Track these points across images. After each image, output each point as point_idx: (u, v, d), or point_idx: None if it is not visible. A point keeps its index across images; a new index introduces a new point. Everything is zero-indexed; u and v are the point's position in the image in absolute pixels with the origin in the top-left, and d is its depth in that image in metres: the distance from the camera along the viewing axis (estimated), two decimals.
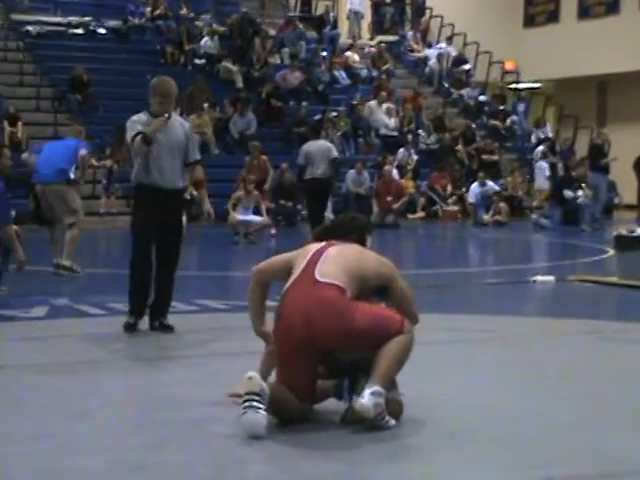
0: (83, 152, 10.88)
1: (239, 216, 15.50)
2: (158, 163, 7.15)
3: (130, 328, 7.23)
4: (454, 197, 22.13)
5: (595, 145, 19.65)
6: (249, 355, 5.32)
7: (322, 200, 14.15)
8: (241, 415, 4.42)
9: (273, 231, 16.16)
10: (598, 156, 19.02)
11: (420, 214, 21.66)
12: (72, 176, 10.68)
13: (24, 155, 11.36)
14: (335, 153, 14.36)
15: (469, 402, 5.15)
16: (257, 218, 15.79)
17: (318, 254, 4.80)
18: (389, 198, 19.98)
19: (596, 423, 4.80)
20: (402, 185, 20.91)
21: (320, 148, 14.07)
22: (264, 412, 4.42)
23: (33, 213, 10.76)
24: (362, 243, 5.08)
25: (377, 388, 4.53)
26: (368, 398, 4.49)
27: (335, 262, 4.74)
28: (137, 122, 7.19)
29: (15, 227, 9.17)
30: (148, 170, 7.17)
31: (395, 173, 21.44)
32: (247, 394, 4.42)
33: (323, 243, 4.92)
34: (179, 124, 7.38)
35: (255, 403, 4.41)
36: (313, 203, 14.28)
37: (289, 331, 4.61)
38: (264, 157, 19.70)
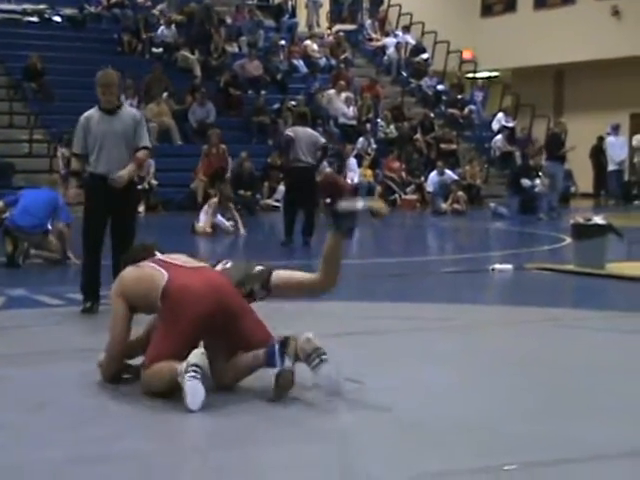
0: (61, 225, 10.73)
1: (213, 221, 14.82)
2: (106, 154, 7.55)
3: (88, 311, 7.52)
4: (412, 186, 22.21)
5: (553, 134, 19.81)
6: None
7: (307, 191, 13.48)
8: (186, 381, 4.56)
9: (242, 231, 15.25)
10: (556, 145, 19.17)
11: None
12: (49, 227, 10.64)
13: None
14: (322, 140, 13.91)
15: (428, 391, 5.17)
16: (225, 222, 15.11)
17: (156, 260, 5.14)
18: (328, 200, 19.60)
19: (555, 410, 4.83)
20: (344, 185, 20.06)
21: (307, 135, 13.53)
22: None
23: (9, 256, 10.54)
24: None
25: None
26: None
27: (192, 260, 5.19)
28: (84, 124, 7.64)
29: None
30: (98, 161, 7.56)
31: (354, 162, 21.48)
32: (195, 365, 4.60)
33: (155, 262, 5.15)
34: (128, 114, 7.74)
35: (199, 375, 4.60)
36: (294, 194, 13.66)
37: (196, 304, 4.80)
38: (223, 146, 19.63)
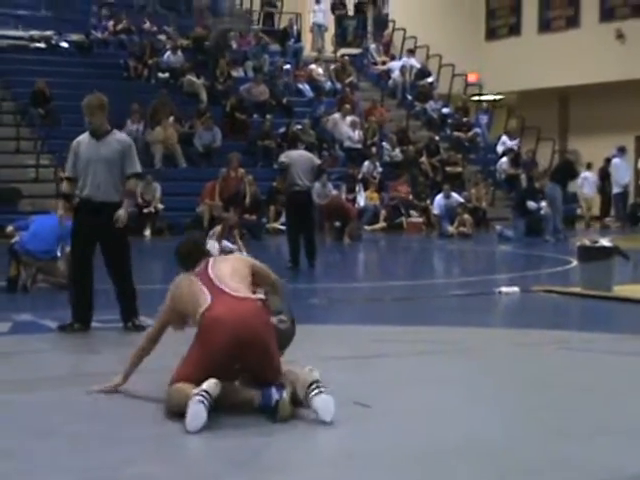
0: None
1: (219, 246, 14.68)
2: (93, 178, 7.71)
3: (64, 330, 7.74)
4: (417, 209, 22.22)
5: (567, 162, 19.76)
6: None
7: (305, 214, 13.51)
8: (192, 404, 4.70)
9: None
10: (568, 173, 19.23)
11: (381, 225, 21.66)
12: (59, 253, 10.66)
13: (9, 228, 11.26)
14: (317, 161, 14.07)
15: (436, 414, 5.16)
16: (231, 246, 14.98)
17: (209, 281, 5.28)
18: (337, 223, 19.71)
19: (560, 432, 4.82)
20: (349, 209, 20.04)
21: (302, 157, 13.65)
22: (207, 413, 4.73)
23: (10, 279, 10.57)
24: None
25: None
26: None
27: (233, 279, 5.31)
28: (75, 148, 7.86)
29: None
30: (85, 185, 7.75)
31: (359, 186, 21.53)
32: (205, 391, 4.75)
33: (196, 274, 5.40)
34: (115, 140, 7.84)
35: (207, 402, 4.73)
36: (295, 219, 13.69)
37: (227, 336, 4.98)
38: (242, 170, 19.67)
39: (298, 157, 13.62)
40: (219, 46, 25.07)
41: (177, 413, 4.86)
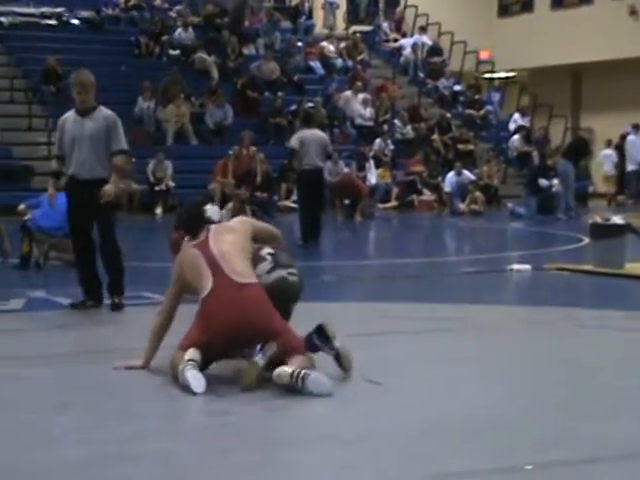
0: None
1: None
2: (77, 155, 7.71)
3: (76, 307, 7.80)
4: (429, 187, 22.17)
5: (581, 139, 19.67)
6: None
7: (316, 193, 13.68)
8: (186, 372, 4.98)
9: None
10: (581, 151, 19.16)
11: (393, 203, 21.63)
12: None
13: (21, 206, 11.28)
14: (330, 147, 14.17)
15: (447, 391, 5.18)
16: None
17: (211, 258, 5.37)
18: (347, 201, 19.67)
19: (573, 409, 4.84)
20: (360, 187, 19.90)
21: (314, 137, 13.72)
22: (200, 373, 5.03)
23: (23, 256, 10.60)
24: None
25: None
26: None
27: (234, 256, 5.38)
28: (61, 126, 7.88)
29: None
30: (71, 163, 7.76)
31: (371, 163, 21.47)
32: (190, 359, 5.06)
33: (197, 242, 5.51)
34: (101, 116, 7.79)
35: (196, 365, 5.06)
36: (307, 197, 13.83)
37: (227, 331, 5.17)
38: (253, 148, 19.66)
39: (311, 136, 13.70)
40: (237, 20, 25.04)
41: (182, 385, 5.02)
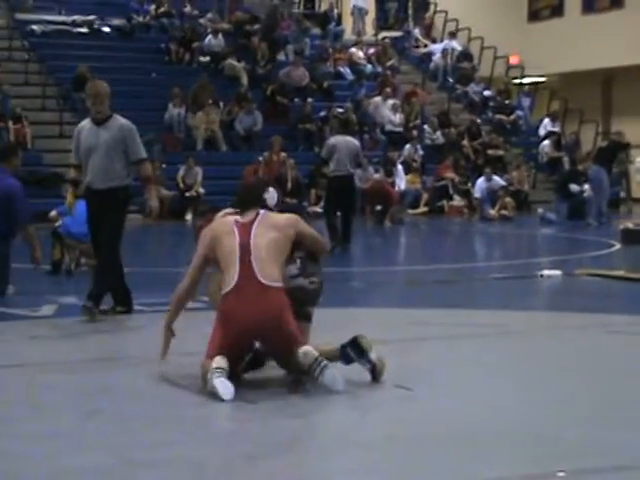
0: None
1: None
2: (92, 165, 7.71)
3: (106, 312, 7.84)
4: (459, 192, 22.11)
5: (614, 142, 19.45)
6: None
7: (347, 199, 13.75)
8: (214, 379, 4.96)
9: None
10: (613, 154, 18.98)
11: (423, 209, 21.59)
12: None
13: (52, 213, 11.35)
14: (362, 155, 14.26)
15: (478, 397, 5.16)
16: None
17: (246, 247, 5.29)
18: (378, 207, 19.67)
19: (606, 417, 4.79)
20: (391, 192, 19.94)
21: (347, 144, 13.81)
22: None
23: (54, 263, 10.67)
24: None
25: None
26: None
27: (268, 257, 5.30)
28: (76, 135, 7.85)
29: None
30: (86, 172, 7.77)
31: (400, 169, 21.43)
32: (217, 367, 5.02)
33: (237, 226, 5.40)
34: (116, 125, 7.76)
35: (224, 373, 5.02)
36: (334, 202, 13.90)
37: (241, 332, 5.18)
38: (283, 154, 19.70)
39: (344, 142, 13.79)
40: (269, 26, 25.15)
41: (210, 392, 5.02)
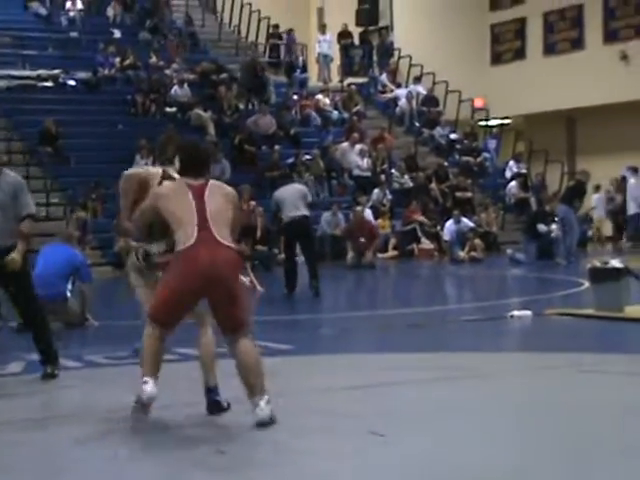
0: (83, 286, 10.54)
1: None
2: None
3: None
4: (428, 235, 22.20)
5: (579, 182, 19.64)
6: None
7: (304, 240, 14.03)
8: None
9: (259, 288, 14.34)
10: (580, 193, 19.15)
11: (392, 253, 21.66)
12: (68, 294, 10.50)
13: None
14: (309, 198, 14.44)
15: (452, 442, 5.14)
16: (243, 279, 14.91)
17: (202, 209, 5.62)
18: (362, 239, 19.91)
19: (579, 456, 4.79)
20: (374, 226, 20.80)
21: (293, 191, 14.04)
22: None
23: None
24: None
25: (266, 397, 5.45)
26: (267, 408, 5.39)
27: (222, 220, 5.64)
28: None
29: None
30: None
31: (368, 213, 21.49)
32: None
33: (191, 183, 5.77)
34: (6, 182, 7.42)
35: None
36: (292, 246, 14.18)
37: (197, 272, 5.48)
38: (253, 202, 19.73)
39: (288, 190, 14.06)
40: (248, 76, 25.34)
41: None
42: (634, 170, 23.54)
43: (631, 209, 23.64)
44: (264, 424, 5.30)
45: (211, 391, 5.74)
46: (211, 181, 5.85)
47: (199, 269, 5.45)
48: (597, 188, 24.33)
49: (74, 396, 6.98)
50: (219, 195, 5.77)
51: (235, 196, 5.99)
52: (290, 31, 29.16)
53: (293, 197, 13.83)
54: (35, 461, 5.03)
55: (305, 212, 13.87)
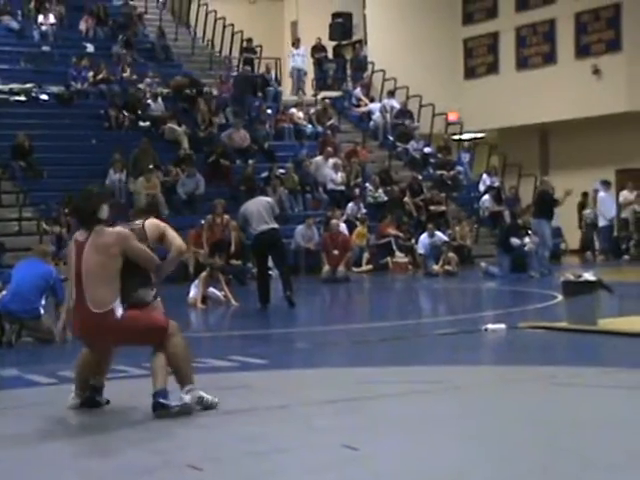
0: (57, 303, 10.37)
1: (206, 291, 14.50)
2: None
3: None
4: (402, 249, 22.24)
5: (542, 192, 19.82)
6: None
7: (274, 252, 14.07)
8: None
9: (233, 302, 14.51)
10: (546, 203, 19.22)
11: (366, 267, 21.68)
12: (42, 311, 10.42)
13: None
14: (277, 210, 14.49)
15: (422, 454, 5.14)
16: (217, 293, 14.71)
17: (79, 273, 6.00)
18: (336, 252, 19.91)
19: (554, 470, 4.80)
20: (348, 239, 20.82)
21: (258, 203, 14.02)
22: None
23: None
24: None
25: (190, 386, 6.10)
26: (190, 397, 6.04)
27: (95, 278, 5.96)
28: None
29: None
30: None
31: (343, 227, 21.51)
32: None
33: (76, 245, 6.13)
34: None
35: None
36: (263, 260, 14.19)
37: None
38: (227, 216, 19.70)
39: (253, 204, 14.03)
40: (243, 95, 25.51)
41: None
42: (606, 184, 23.75)
43: (601, 222, 23.87)
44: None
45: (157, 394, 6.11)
46: (94, 230, 6.05)
47: (77, 333, 6.24)
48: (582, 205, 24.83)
49: (49, 413, 6.93)
50: (96, 248, 6.00)
51: (118, 236, 6.11)
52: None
53: (260, 211, 13.80)
54: (9, 478, 4.98)
55: (274, 225, 13.87)
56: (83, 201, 6.24)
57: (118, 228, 6.23)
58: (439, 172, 25.75)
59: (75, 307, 6.05)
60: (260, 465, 4.91)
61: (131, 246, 6.10)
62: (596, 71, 26.05)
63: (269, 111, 26.06)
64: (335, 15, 30.64)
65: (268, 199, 14.97)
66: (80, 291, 5.99)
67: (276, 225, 13.98)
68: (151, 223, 6.67)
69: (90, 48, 26.66)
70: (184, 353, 6.12)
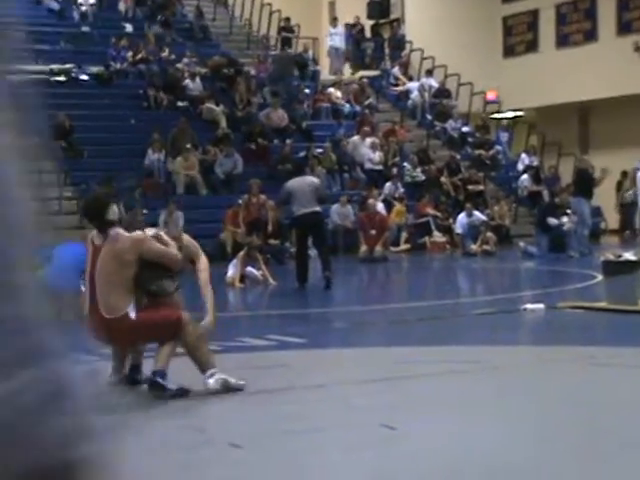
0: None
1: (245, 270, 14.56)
2: None
3: None
4: (440, 228, 22.19)
5: (580, 171, 19.70)
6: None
7: (315, 234, 14.05)
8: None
9: (271, 281, 14.62)
10: (585, 181, 19.07)
11: (404, 247, 21.65)
12: (82, 288, 10.52)
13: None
14: (323, 191, 14.46)
15: (461, 435, 5.14)
16: (255, 272, 14.71)
17: (92, 279, 6.05)
18: (373, 231, 19.88)
19: (592, 450, 4.79)
20: (385, 218, 20.80)
21: (304, 183, 13.95)
22: None
23: None
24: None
25: (212, 370, 6.06)
26: (213, 381, 6.00)
27: (108, 284, 5.97)
28: None
29: None
30: None
31: (380, 207, 21.48)
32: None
33: (97, 243, 6.09)
34: None
35: None
36: (303, 240, 14.19)
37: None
38: (263, 196, 19.73)
39: (299, 183, 13.93)
40: (283, 75, 25.48)
41: None
42: None
43: None
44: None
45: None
46: (110, 235, 6.04)
47: (93, 335, 6.15)
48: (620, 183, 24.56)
49: None
50: (109, 254, 6.01)
51: (133, 242, 6.09)
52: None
53: (305, 192, 13.68)
54: None
55: (316, 208, 13.76)
56: (90, 204, 6.32)
57: (134, 233, 6.25)
58: (477, 151, 25.62)
59: (89, 310, 6.07)
60: (298, 444, 4.93)
61: (149, 248, 6.10)
62: (638, 48, 25.78)
63: (307, 90, 26.04)
64: None
65: (314, 179, 14.88)
66: (93, 295, 6.02)
67: (318, 208, 13.87)
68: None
69: (129, 28, 26.76)
70: (200, 340, 6.12)
